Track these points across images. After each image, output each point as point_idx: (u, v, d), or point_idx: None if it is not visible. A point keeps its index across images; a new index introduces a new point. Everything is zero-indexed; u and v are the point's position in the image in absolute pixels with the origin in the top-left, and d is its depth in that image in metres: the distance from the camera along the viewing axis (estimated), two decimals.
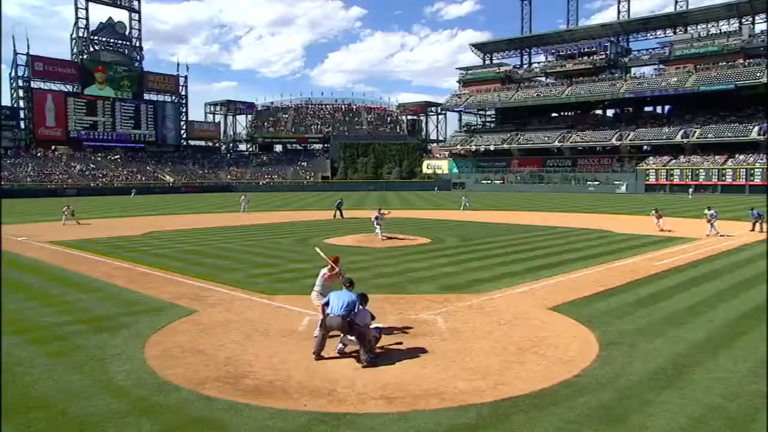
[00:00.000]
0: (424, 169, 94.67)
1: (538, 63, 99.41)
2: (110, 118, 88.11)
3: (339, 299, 7.73)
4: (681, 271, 14.02)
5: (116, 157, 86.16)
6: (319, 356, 7.71)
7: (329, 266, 9.06)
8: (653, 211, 26.51)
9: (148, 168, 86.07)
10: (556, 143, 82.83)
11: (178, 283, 12.81)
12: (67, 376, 7.06)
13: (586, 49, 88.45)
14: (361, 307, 7.78)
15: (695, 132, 72.46)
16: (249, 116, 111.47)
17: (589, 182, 75.89)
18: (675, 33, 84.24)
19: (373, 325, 7.85)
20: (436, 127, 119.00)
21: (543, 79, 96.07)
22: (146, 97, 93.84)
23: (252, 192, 47.69)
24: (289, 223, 29.05)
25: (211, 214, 36.45)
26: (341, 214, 31.93)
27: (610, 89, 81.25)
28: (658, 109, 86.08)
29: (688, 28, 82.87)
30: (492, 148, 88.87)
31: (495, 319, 9.71)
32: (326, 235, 22.51)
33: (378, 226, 21.09)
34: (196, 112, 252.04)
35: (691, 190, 61.32)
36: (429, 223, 29.26)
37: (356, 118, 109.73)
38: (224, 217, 34.14)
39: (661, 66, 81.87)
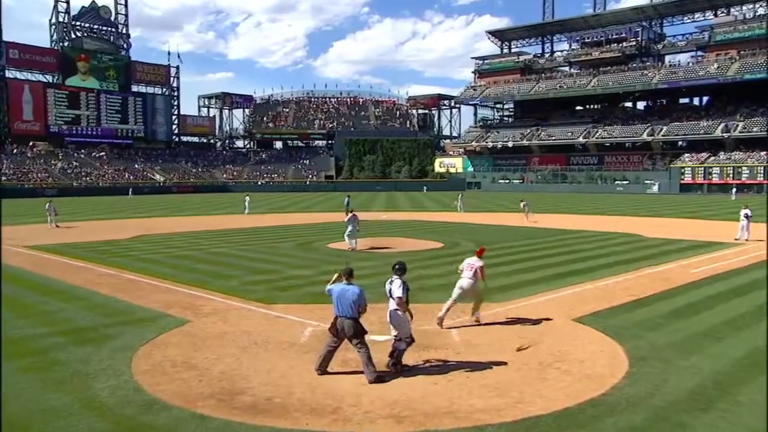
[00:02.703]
0: (437, 168, 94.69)
1: (561, 51, 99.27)
2: (95, 112, 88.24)
3: (342, 297, 7.53)
4: (721, 280, 13.85)
5: (101, 154, 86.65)
6: (323, 371, 7.67)
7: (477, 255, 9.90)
8: (521, 203, 31.17)
9: (136, 166, 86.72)
10: (581, 139, 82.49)
11: (169, 291, 12.85)
12: (45, 393, 7.00)
13: (614, 36, 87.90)
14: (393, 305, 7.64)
15: (737, 125, 71.49)
16: (246, 110, 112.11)
17: (617, 182, 75.50)
18: (716, 15, 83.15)
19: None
20: (450, 121, 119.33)
21: (566, 69, 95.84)
22: (134, 88, 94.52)
23: (250, 192, 47.81)
24: (289, 226, 29.10)
25: (206, 217, 36.60)
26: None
27: (642, 79, 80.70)
28: (695, 101, 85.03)
29: (731, 9, 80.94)
30: (510, 144, 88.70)
31: (514, 331, 9.65)
32: (330, 238, 22.52)
33: (349, 234, 19.45)
34: (189, 106, 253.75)
35: (734, 190, 59.96)
36: (440, 226, 29.25)
37: (363, 113, 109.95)
38: (220, 219, 34.26)
39: (700, 53, 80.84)
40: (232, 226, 29.34)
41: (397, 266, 7.90)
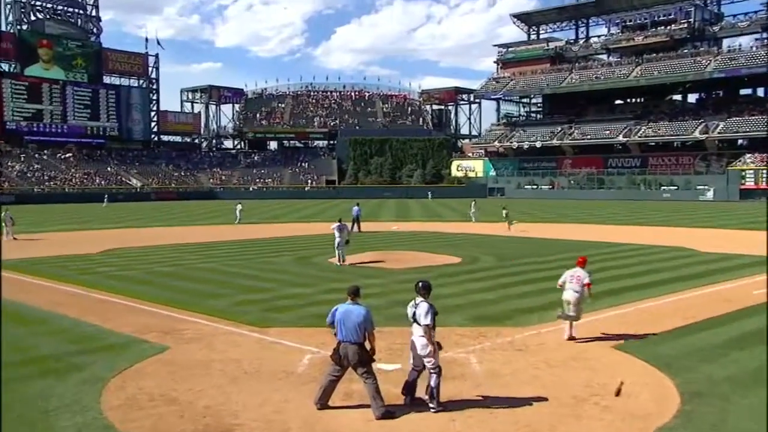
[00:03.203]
0: (454, 171, 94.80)
1: (599, 37, 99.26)
2: (60, 106, 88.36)
3: (346, 318, 7.49)
4: None
5: (68, 155, 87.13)
6: (324, 404, 7.60)
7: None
8: (503, 211, 32.91)
9: (109, 169, 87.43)
10: (621, 138, 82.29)
11: (146, 312, 12.87)
12: None
13: (661, 17, 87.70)
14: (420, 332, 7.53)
15: None
16: (236, 106, 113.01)
17: (663, 187, 75.15)
18: None
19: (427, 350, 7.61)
20: (469, 119, 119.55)
21: (604, 57, 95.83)
22: (106, 80, 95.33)
23: (241, 200, 48.10)
24: (286, 238, 29.18)
25: (190, 227, 36.80)
26: (358, 226, 31.93)
27: (694, 67, 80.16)
28: (759, 92, 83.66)
29: None
30: (538, 144, 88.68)
31: (543, 359, 9.58)
32: (333, 252, 22.60)
33: (339, 246, 19.70)
34: (170, 100, 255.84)
35: None
36: (458, 238, 29.22)
37: (369, 109, 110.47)
38: (206, 230, 34.40)
39: (765, 34, 80.00)
40: (220, 238, 29.43)
41: (420, 286, 7.83)
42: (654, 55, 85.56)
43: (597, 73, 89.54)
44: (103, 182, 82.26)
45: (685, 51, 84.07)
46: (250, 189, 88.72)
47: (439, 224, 37.92)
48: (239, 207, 40.28)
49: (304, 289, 15.45)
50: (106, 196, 69.47)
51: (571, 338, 10.65)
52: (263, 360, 9.58)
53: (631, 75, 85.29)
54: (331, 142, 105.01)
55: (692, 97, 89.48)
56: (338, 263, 19.66)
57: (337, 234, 20.11)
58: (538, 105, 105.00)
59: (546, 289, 15.16)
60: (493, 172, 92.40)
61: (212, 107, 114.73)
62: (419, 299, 7.68)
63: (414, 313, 7.65)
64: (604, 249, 23.93)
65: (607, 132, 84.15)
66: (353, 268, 19.07)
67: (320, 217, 44.13)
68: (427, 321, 7.51)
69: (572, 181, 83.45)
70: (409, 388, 7.77)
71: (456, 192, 79.90)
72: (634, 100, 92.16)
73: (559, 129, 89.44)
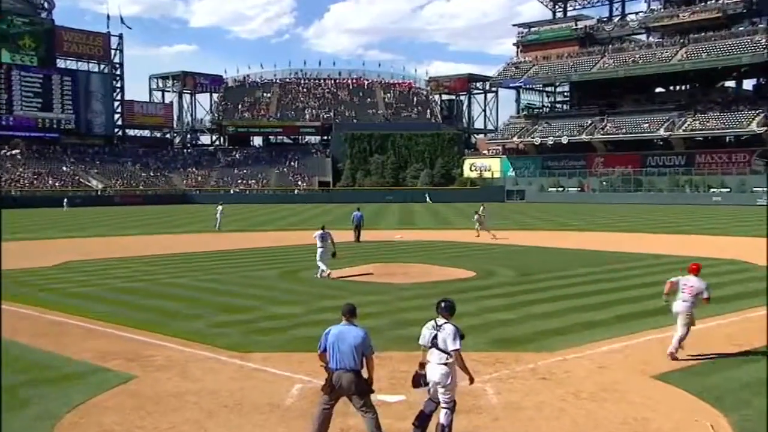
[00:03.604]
0: (466, 171, 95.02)
1: (636, 14, 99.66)
2: (5, 95, 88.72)
3: (340, 342, 7.46)
4: None
5: (14, 151, 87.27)
6: None
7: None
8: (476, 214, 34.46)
9: (64, 168, 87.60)
10: (662, 132, 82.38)
11: (108, 336, 12.81)
12: None
13: None
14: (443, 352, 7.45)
15: None
16: (215, 95, 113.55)
17: (713, 189, 75.10)
18: None
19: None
20: (484, 110, 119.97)
21: (643, 37, 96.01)
22: (61, 64, 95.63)
23: (228, 204, 48.34)
24: (272, 249, 29.19)
25: (160, 236, 36.83)
26: (358, 235, 32.00)
27: (751, 48, 79.71)
28: None
29: None
30: (565, 140, 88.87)
31: (571, 390, 9.50)
32: (331, 263, 22.55)
33: (321, 258, 20.11)
34: (137, 89, 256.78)
35: None
36: (471, 248, 29.19)
37: (369, 99, 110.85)
38: (179, 240, 34.41)
39: None
40: (195, 248, 29.38)
41: (443, 306, 7.74)
42: (702, 34, 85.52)
43: (634, 57, 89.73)
44: (57, 183, 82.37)
45: (740, 29, 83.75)
46: (231, 192, 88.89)
47: (449, 233, 37.87)
48: (220, 209, 40.38)
49: (292, 308, 15.40)
50: (65, 199, 69.57)
51: (674, 358, 10.83)
52: (245, 391, 9.51)
53: (675, 58, 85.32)
54: (325, 137, 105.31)
55: (748, 84, 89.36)
56: (320, 276, 19.86)
57: (319, 243, 20.28)
58: (565, 94, 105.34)
59: (574, 308, 15.10)
60: (512, 173, 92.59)
61: (186, 97, 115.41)
62: (441, 320, 7.58)
63: (434, 337, 7.55)
64: (642, 261, 23.82)
65: (646, 125, 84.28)
66: (351, 284, 19.02)
67: (311, 225, 43.91)
68: (457, 345, 7.42)
69: (604, 183, 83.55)
70: (422, 420, 7.70)
71: (469, 195, 79.80)
72: (678, 87, 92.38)
73: (589, 122, 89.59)
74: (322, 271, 20.04)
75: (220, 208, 40.54)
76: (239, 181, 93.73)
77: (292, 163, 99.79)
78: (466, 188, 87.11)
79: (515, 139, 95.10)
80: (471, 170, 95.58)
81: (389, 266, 22.87)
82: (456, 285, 18.61)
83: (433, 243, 31.86)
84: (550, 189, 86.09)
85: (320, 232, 20.67)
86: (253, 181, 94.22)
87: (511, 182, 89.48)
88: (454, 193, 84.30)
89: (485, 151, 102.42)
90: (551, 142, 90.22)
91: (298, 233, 37.02)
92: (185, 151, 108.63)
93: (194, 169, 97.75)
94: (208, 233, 37.95)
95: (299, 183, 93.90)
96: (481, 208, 39.98)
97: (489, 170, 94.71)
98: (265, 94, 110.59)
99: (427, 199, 79.21)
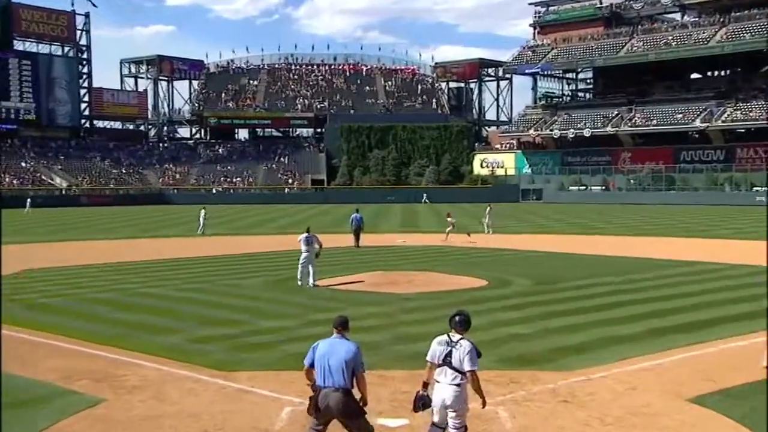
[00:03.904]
0: (477, 168, 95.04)
1: None
2: None
3: (329, 356, 7.44)
4: None
5: None
6: None
7: None
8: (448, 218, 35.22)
9: (23, 164, 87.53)
10: (698, 123, 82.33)
11: (76, 354, 12.76)
12: None
13: None
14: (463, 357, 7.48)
15: None
16: (195, 82, 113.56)
17: (756, 188, 74.78)
18: None
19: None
20: (496, 100, 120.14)
21: (676, 16, 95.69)
22: (18, 46, 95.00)
23: (204, 204, 48.34)
24: (259, 255, 29.18)
25: (135, 241, 36.82)
26: (357, 239, 32.13)
27: None
28: None
29: None
30: (588, 133, 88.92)
31: (595, 414, 9.45)
32: (320, 272, 22.54)
33: (305, 263, 20.42)
34: (106, 75, 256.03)
35: None
36: (483, 253, 29.18)
37: (368, 87, 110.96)
38: (155, 244, 34.39)
39: None
40: (174, 254, 29.35)
41: (458, 318, 7.69)
42: (745, 12, 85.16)
43: (667, 39, 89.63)
44: (15, 181, 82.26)
45: None
46: (213, 191, 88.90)
47: (458, 237, 37.87)
48: (203, 213, 40.53)
49: (282, 321, 15.37)
50: (28, 199, 69.35)
51: None
52: (229, 414, 9.47)
53: (714, 39, 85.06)
54: (319, 130, 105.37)
55: None
56: (302, 283, 20.15)
57: (303, 248, 20.41)
58: (588, 81, 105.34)
59: (599, 322, 15.05)
60: (527, 169, 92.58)
61: (162, 84, 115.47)
62: (456, 336, 7.53)
63: (448, 354, 7.51)
64: (675, 269, 23.75)
65: (680, 116, 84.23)
66: (348, 294, 19.00)
67: (304, 228, 44.02)
68: (475, 365, 7.39)
69: (632, 181, 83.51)
70: None
71: (479, 195, 79.69)
72: (717, 73, 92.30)
73: (616, 113, 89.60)
74: (311, 278, 20.22)
75: (203, 212, 40.63)
76: (222, 179, 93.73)
77: (282, 159, 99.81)
78: (476, 187, 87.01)
79: (531, 131, 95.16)
80: (482, 167, 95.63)
81: (391, 274, 22.83)
82: (466, 295, 18.57)
83: (439, 248, 31.82)
84: (570, 188, 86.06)
85: (305, 235, 20.77)
86: (238, 179, 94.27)
87: (526, 180, 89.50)
88: (462, 192, 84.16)
89: (498, 146, 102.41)
90: (572, 136, 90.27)
91: (289, 237, 36.89)
92: (161, 145, 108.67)
93: (172, 166, 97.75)
94: (189, 237, 37.91)
95: (290, 181, 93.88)
96: (488, 208, 40.07)
97: (502, 167, 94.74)
98: (251, 82, 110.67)
99: (424, 200, 79.24)
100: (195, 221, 40.90)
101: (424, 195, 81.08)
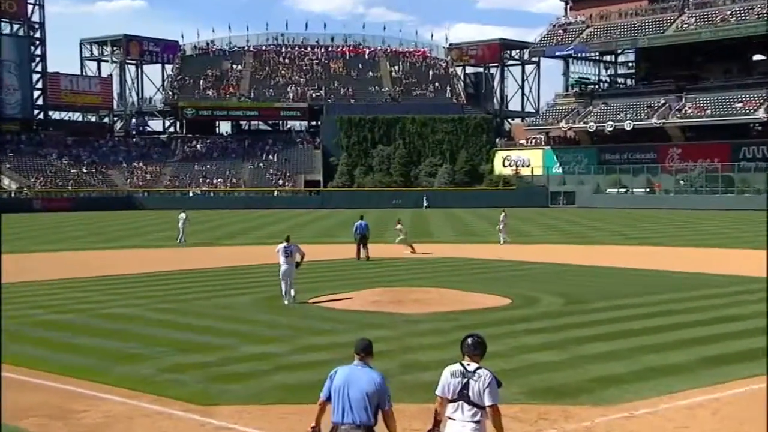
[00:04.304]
0: (498, 168, 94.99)
1: None
2: None
3: (349, 388, 7.30)
4: None
5: None
6: None
7: None
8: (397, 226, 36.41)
9: None
10: (762, 114, 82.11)
11: (27, 386, 12.75)
12: None
13: None
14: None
15: None
16: (168, 67, 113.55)
17: None
18: None
19: None
20: (521, 87, 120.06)
21: None
22: None
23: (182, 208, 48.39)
24: (246, 269, 29.29)
25: (99, 252, 36.86)
26: (364, 250, 32.21)
27: None
28: None
29: None
30: (629, 126, 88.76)
31: None
32: (317, 288, 22.51)
33: (285, 276, 21.02)
34: (64, 58, 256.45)
35: None
36: (504, 267, 29.24)
37: (371, 73, 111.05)
38: (124, 257, 34.47)
39: None
40: (145, 267, 29.41)
41: (470, 341, 7.60)
42: None
43: (724, 14, 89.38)
44: None
45: None
46: (190, 194, 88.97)
47: (475, 247, 37.85)
48: (183, 217, 40.79)
49: (270, 346, 15.34)
50: None
51: None
52: None
53: None
54: (314, 123, 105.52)
55: None
56: (287, 302, 20.52)
57: (282, 259, 20.70)
58: (630, 65, 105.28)
59: (642, 348, 14.98)
60: (557, 169, 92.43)
61: (130, 69, 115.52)
62: (472, 365, 7.45)
63: (464, 386, 7.44)
64: (734, 287, 23.69)
65: (740, 105, 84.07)
66: (348, 314, 18.99)
67: (297, 237, 44.06)
68: (496, 399, 7.32)
69: (682, 182, 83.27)
70: None
71: (501, 198, 79.65)
72: None
73: (662, 102, 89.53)
74: (291, 294, 20.57)
75: (183, 216, 40.74)
76: (201, 180, 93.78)
77: (271, 157, 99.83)
78: (497, 189, 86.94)
79: (563, 124, 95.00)
80: (504, 166, 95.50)
81: (398, 291, 22.85)
82: (485, 316, 18.59)
83: (454, 260, 31.89)
84: (608, 190, 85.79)
85: (284, 245, 21.01)
86: (220, 180, 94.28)
87: (556, 181, 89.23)
88: (481, 195, 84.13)
89: (523, 141, 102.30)
90: (610, 129, 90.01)
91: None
92: (129, 140, 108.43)
93: (141, 165, 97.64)
94: (162, 248, 37.92)
95: (280, 182, 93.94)
96: (502, 214, 40.03)
97: (527, 166, 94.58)
98: (234, 66, 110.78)
99: (425, 204, 79.27)
100: (172, 229, 40.82)
101: (425, 197, 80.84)
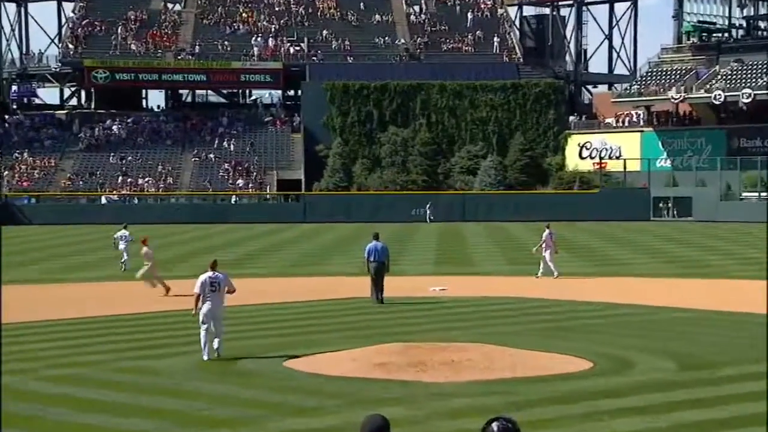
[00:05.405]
0: (571, 159, 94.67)
1: None
2: None
3: None
4: None
5: None
6: None
7: None
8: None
9: None
10: None
11: None
12: None
13: None
14: None
15: None
16: (68, 6, 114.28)
17: None
18: None
19: None
20: (607, 37, 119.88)
21: None
22: None
23: (97, 225, 48.76)
24: (180, 314, 29.01)
25: None
26: (380, 282, 32.16)
27: None
28: None
29: None
30: None
31: None
32: (294, 344, 22.83)
33: (206, 320, 21.73)
34: None
35: None
36: (581, 310, 29.54)
37: (378, 16, 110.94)
38: (19, 294, 34.73)
39: None
40: (34, 313, 29.63)
41: (496, 428, 7.76)
42: None
43: None
44: None
45: None
46: (103, 201, 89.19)
47: (538, 282, 37.97)
48: (122, 235, 41.82)
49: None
50: None
51: None
52: None
53: None
54: (291, 93, 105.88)
55: None
56: (204, 356, 21.10)
57: (207, 292, 21.23)
58: None
59: None
60: (665, 162, 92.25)
61: (10, 9, 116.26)
62: None
63: None
64: None
65: None
66: (342, 384, 18.97)
67: (264, 266, 44.14)
68: None
69: None
70: None
71: (576, 207, 79.67)
72: None
73: None
74: (216, 344, 21.14)
75: (124, 233, 41.74)
76: (119, 180, 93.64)
77: (226, 144, 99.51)
78: (570, 194, 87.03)
79: (672, 93, 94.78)
80: (582, 157, 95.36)
81: (420, 347, 22.86)
82: (553, 386, 18.65)
83: (504, 300, 32.12)
84: (744, 194, 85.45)
85: (208, 275, 21.44)
86: (148, 179, 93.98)
87: (662, 181, 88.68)
88: (545, 202, 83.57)
89: (610, 120, 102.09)
90: (747, 100, 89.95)
91: (241, 281, 37.33)
92: (9, 118, 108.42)
93: (26, 156, 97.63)
94: (63, 283, 38.18)
95: (240, 183, 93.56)
96: (545, 231, 40.10)
97: (618, 157, 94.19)
98: (170, 5, 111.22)
99: (428, 217, 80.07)
100: (77, 254, 40.92)
101: (429, 205, 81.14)
